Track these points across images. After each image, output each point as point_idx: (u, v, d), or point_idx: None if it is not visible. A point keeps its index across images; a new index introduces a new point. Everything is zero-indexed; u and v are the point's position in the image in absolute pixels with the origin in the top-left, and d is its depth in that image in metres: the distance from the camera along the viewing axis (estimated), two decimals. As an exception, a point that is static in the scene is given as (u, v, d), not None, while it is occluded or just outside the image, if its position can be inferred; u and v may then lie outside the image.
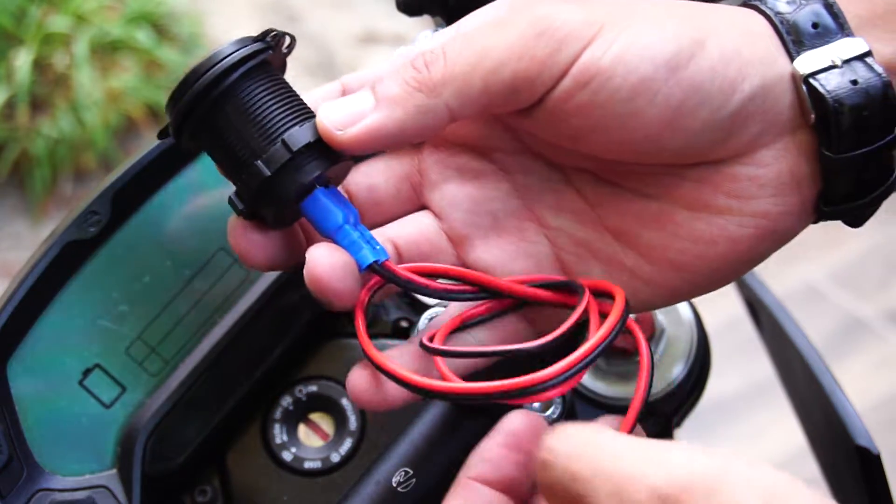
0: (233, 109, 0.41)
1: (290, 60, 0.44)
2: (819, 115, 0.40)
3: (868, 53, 0.40)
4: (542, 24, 0.39)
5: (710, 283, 0.43)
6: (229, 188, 0.43)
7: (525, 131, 0.44)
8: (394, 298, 0.61)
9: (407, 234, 0.44)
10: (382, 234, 0.43)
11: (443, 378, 0.40)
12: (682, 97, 0.39)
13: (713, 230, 0.41)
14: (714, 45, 0.39)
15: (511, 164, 0.45)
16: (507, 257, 0.44)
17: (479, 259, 0.44)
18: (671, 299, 0.44)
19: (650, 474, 0.30)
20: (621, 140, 0.40)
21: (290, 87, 0.43)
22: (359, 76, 0.44)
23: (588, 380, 0.59)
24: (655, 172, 0.42)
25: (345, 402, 0.58)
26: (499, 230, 0.44)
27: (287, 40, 0.43)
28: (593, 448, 0.32)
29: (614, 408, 0.60)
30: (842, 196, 0.41)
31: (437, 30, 0.55)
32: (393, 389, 0.42)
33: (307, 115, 0.42)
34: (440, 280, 0.43)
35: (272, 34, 0.42)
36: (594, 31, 0.39)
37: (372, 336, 0.59)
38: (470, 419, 0.47)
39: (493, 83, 0.39)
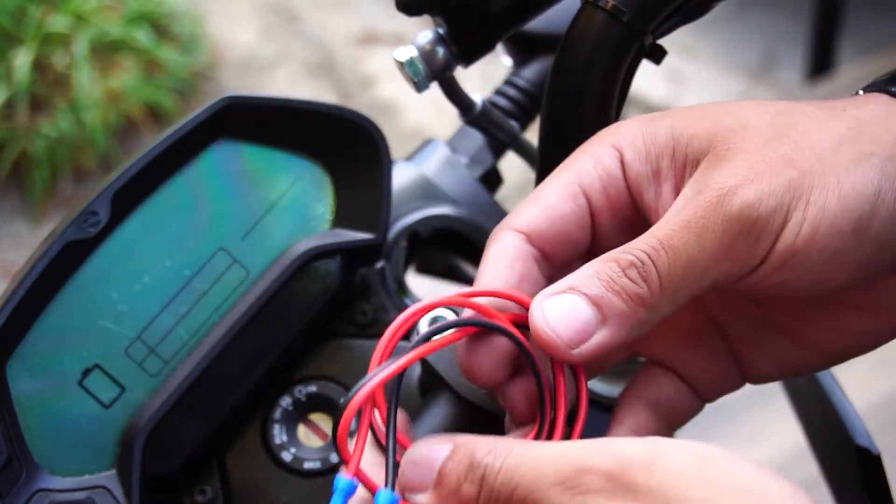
0: None
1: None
2: None
3: None
4: (740, 223, 0.40)
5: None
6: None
7: None
8: (393, 300, 0.61)
9: None
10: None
11: None
12: (869, 254, 0.41)
13: (880, 325, 0.44)
14: (889, 191, 0.40)
15: None
16: (682, 349, 0.47)
17: (657, 352, 0.47)
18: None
19: (597, 461, 0.35)
20: (811, 296, 0.43)
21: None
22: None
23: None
24: None
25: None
26: (674, 328, 0.47)
27: None
28: (532, 455, 0.37)
29: (611, 407, 0.60)
30: None
31: (437, 30, 0.55)
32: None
33: None
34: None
35: None
36: (785, 214, 0.40)
37: (372, 336, 0.60)
38: (471, 419, 0.47)
39: (699, 288, 0.41)
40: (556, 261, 0.45)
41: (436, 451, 0.40)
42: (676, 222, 0.41)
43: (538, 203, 0.44)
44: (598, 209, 0.45)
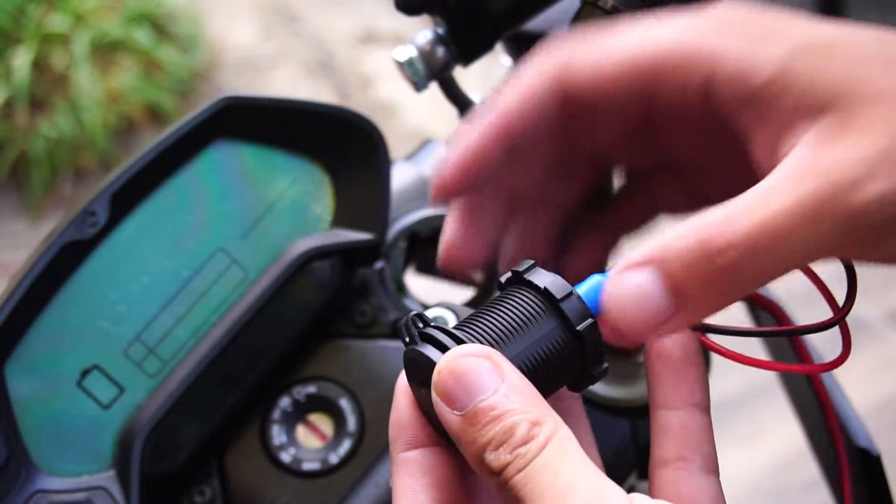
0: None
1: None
2: None
3: None
4: (860, 223, 0.34)
5: None
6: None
7: None
8: (392, 300, 0.61)
9: None
10: None
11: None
12: None
13: None
14: None
15: None
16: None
17: None
18: None
19: None
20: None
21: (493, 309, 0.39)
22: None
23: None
24: None
25: (343, 402, 0.58)
26: None
27: None
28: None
29: (613, 408, 0.60)
30: None
31: (436, 30, 0.55)
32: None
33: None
34: None
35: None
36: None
37: (371, 337, 0.60)
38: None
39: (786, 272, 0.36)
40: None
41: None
42: (788, 202, 0.35)
43: (597, 61, 0.39)
44: (657, 107, 0.39)
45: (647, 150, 0.43)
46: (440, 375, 0.35)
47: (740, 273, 0.35)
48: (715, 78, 0.38)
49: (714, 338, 0.40)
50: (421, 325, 0.38)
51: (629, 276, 0.36)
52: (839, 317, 0.39)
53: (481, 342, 0.37)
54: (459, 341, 0.36)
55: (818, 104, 0.36)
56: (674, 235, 0.36)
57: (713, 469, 0.39)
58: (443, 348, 0.36)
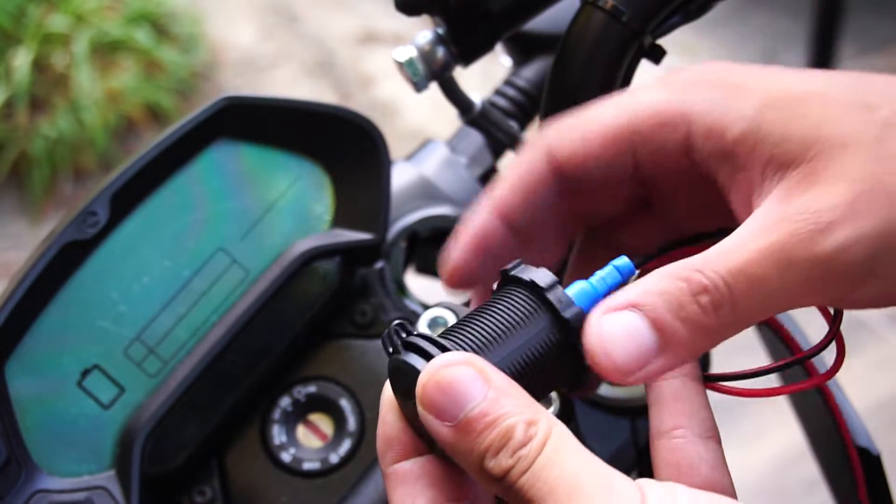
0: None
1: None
2: None
3: None
4: (828, 267, 0.36)
5: None
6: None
7: None
8: (392, 300, 0.61)
9: None
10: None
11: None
12: None
13: None
14: None
15: None
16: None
17: None
18: None
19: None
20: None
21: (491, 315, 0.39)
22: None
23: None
24: None
25: (343, 402, 0.58)
26: None
27: None
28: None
29: (613, 408, 0.60)
30: None
31: (436, 30, 0.55)
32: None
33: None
34: None
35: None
36: (870, 268, 0.36)
37: (371, 337, 0.60)
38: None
39: (767, 316, 0.38)
40: (573, 182, 0.42)
41: None
42: (759, 248, 0.36)
43: (582, 137, 0.41)
44: (643, 167, 0.41)
45: (634, 200, 0.44)
46: (425, 389, 0.35)
47: (721, 312, 0.36)
48: (692, 134, 0.39)
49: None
50: (404, 334, 0.37)
51: (612, 317, 0.37)
52: (827, 341, 0.40)
53: (466, 348, 0.36)
54: (443, 349, 0.36)
55: (788, 157, 0.37)
56: (654, 279, 0.37)
57: (711, 434, 0.40)
58: (427, 357, 0.36)
